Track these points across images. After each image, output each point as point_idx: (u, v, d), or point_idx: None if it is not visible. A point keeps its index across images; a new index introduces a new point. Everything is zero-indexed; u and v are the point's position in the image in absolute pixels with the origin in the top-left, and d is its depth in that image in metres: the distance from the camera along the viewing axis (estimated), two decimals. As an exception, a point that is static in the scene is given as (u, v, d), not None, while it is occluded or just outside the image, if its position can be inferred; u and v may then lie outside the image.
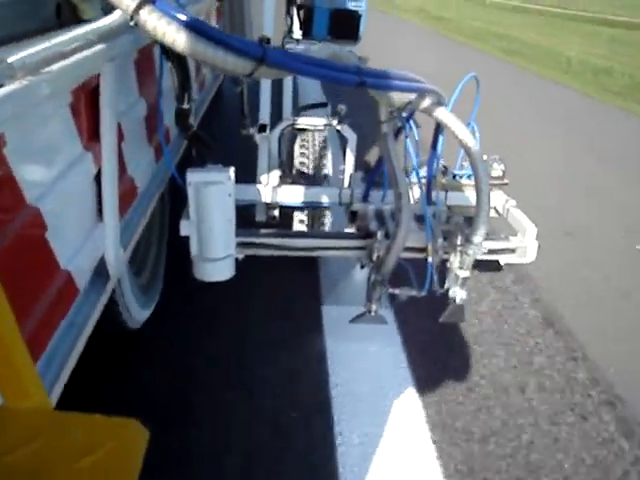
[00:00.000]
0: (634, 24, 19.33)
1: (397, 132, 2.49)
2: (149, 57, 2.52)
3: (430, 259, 2.43)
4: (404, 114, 2.36)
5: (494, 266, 3.47)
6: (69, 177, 1.62)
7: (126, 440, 1.00)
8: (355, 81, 1.92)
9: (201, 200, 2.52)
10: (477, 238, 2.36)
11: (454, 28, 16.94)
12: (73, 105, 1.64)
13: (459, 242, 2.42)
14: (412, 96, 2.20)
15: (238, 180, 2.51)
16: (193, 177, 2.51)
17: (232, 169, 2.56)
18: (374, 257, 2.42)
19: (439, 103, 2.25)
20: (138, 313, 2.61)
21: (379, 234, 2.42)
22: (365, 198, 2.89)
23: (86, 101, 1.74)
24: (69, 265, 1.62)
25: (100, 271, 1.91)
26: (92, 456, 0.95)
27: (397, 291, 2.47)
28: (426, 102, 2.21)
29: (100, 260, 1.90)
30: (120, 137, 2.01)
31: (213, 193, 2.51)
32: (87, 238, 1.78)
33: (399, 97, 2.20)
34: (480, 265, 3.50)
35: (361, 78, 1.92)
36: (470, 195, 2.96)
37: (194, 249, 2.61)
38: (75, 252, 1.67)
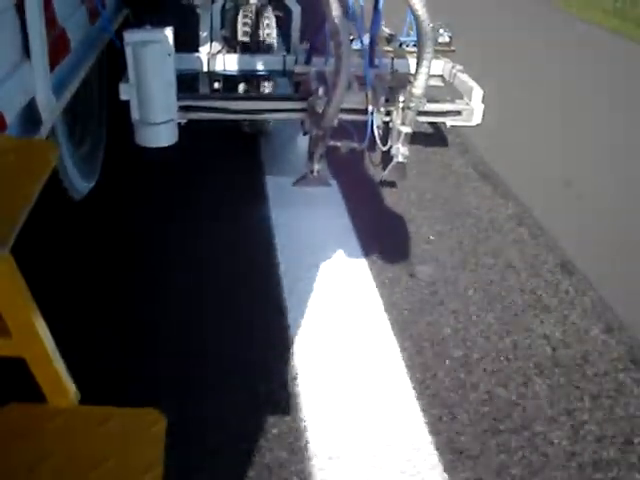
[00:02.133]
0: None
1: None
2: None
3: (370, 109, 2.40)
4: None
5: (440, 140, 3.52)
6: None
7: (147, 429, 1.07)
8: None
9: (139, 60, 2.43)
10: (418, 90, 2.34)
11: None
12: None
13: (401, 98, 2.40)
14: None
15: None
16: (131, 37, 2.41)
17: (170, 29, 2.46)
18: (315, 113, 2.39)
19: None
20: (79, 183, 2.54)
21: (320, 90, 2.39)
22: (307, 63, 2.83)
23: None
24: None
25: (32, 114, 1.85)
26: (119, 447, 1.04)
27: (338, 143, 2.46)
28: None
29: (31, 102, 1.83)
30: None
31: (151, 53, 2.42)
32: (13, 73, 1.71)
33: None
34: (427, 140, 3.56)
35: None
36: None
37: (135, 114, 2.53)
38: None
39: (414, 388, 1.93)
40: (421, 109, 2.42)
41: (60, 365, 1.01)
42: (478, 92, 2.74)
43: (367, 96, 2.41)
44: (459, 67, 2.94)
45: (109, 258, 2.46)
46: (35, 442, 1.01)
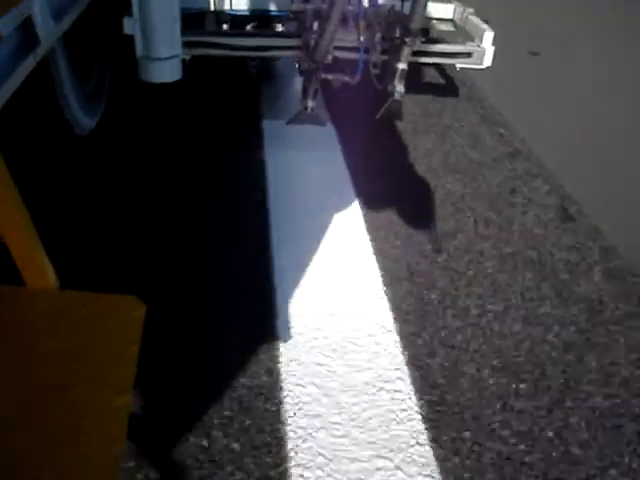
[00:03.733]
0: None
1: None
2: None
3: (362, 42, 2.35)
4: None
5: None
6: None
7: (126, 314, 1.08)
8: None
9: (143, -7, 2.40)
10: (415, 25, 2.28)
11: None
12: None
13: (397, 34, 2.35)
14: None
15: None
16: (134, -31, 2.38)
17: (176, -40, 2.42)
18: (308, 48, 2.35)
19: None
20: (82, 119, 2.53)
21: (314, 25, 2.34)
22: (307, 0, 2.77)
23: None
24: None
25: (29, 33, 1.82)
26: (98, 330, 1.04)
27: (330, 76, 2.41)
28: None
29: (28, 21, 1.81)
30: None
31: (155, -15, 2.38)
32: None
33: None
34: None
35: None
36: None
37: (139, 49, 2.50)
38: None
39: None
40: (417, 47, 2.37)
41: (39, 248, 1.00)
42: (489, 34, 2.67)
43: (359, 30, 2.35)
44: (470, 10, 2.87)
45: (111, 183, 2.54)
46: (14, 324, 1.00)
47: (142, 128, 2.92)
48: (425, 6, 2.25)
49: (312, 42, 2.31)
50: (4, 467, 0.81)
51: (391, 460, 1.53)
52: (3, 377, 0.93)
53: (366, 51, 2.36)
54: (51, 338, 0.99)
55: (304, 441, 1.56)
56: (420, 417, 1.65)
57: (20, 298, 1.03)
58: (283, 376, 1.73)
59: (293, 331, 1.90)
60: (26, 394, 0.92)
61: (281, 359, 1.78)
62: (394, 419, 1.64)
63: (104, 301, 1.06)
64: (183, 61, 2.56)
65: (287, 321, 1.94)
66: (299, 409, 1.64)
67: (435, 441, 1.60)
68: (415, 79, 2.79)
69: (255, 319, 1.94)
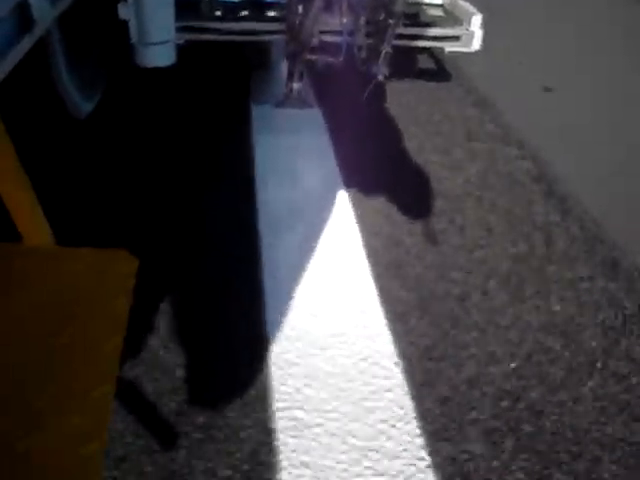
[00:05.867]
0: None
1: None
2: None
3: (344, 24, 2.41)
4: None
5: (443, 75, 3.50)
6: None
7: (118, 268, 1.13)
8: None
9: (137, -21, 2.45)
10: (397, 7, 2.33)
11: None
12: None
13: (381, 17, 2.40)
14: None
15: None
16: (127, -46, 2.43)
17: (167, -53, 2.47)
18: (293, 30, 2.41)
19: None
20: (80, 102, 2.58)
21: (299, 8, 2.39)
22: None
23: None
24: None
25: (24, 14, 1.87)
26: (92, 284, 1.09)
27: (314, 57, 2.46)
28: None
29: (23, 2, 1.85)
30: None
31: (148, -30, 2.43)
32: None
33: None
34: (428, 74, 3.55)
35: None
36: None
37: (134, 35, 2.55)
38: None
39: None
40: (406, 31, 2.43)
41: (36, 206, 1.05)
42: (477, 17, 2.73)
43: (342, 12, 2.41)
44: (458, -7, 2.92)
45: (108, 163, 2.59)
46: (10, 279, 1.05)
47: (136, 112, 2.97)
48: None
49: (296, 24, 2.37)
50: None
51: None
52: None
53: (351, 34, 2.41)
54: (45, 291, 1.04)
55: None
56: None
57: (16, 254, 1.08)
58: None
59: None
60: (18, 348, 0.98)
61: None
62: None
63: (98, 256, 1.11)
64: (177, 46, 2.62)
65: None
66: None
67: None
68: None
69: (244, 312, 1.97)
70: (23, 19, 1.88)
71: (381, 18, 2.37)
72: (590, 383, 1.73)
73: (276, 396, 1.64)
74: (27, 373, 0.93)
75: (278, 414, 1.59)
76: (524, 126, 3.04)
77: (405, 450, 1.53)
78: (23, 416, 0.89)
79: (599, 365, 1.79)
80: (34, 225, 1.06)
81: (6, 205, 1.04)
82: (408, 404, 1.64)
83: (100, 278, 1.07)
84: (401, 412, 1.62)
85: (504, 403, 1.67)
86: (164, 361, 1.70)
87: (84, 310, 1.01)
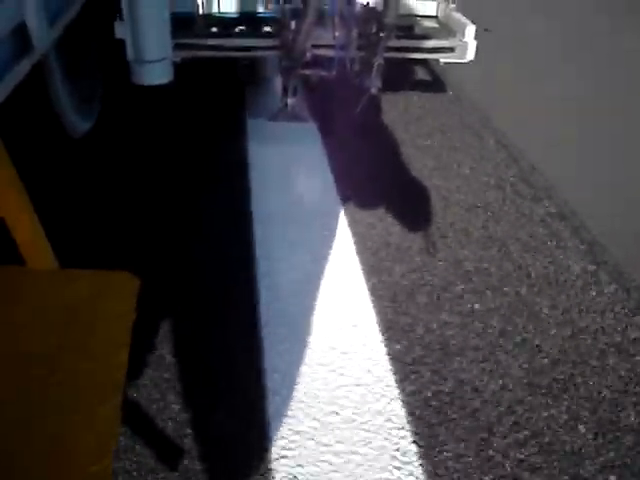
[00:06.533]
0: None
1: None
2: None
3: (337, 38, 2.43)
4: None
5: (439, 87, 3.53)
6: None
7: (120, 288, 1.14)
8: None
9: (133, -3, 2.47)
10: (389, 20, 2.36)
11: None
12: None
13: (373, 30, 2.43)
14: None
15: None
16: (123, -26, 2.45)
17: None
18: (286, 46, 2.43)
19: None
20: (77, 121, 2.61)
21: (292, 24, 2.42)
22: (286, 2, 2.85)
23: None
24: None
25: (23, 38, 1.89)
26: (95, 306, 1.10)
27: (308, 71, 2.49)
28: None
29: (22, 26, 1.87)
30: None
31: (144, -11, 2.45)
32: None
33: None
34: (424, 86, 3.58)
35: None
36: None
37: (130, 53, 2.57)
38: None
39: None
40: (401, 44, 2.45)
41: (39, 230, 1.06)
42: (471, 28, 2.75)
43: (334, 25, 2.43)
44: (452, 5, 2.95)
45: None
46: (15, 303, 1.06)
47: (134, 129, 3.00)
48: (398, 1, 2.33)
49: (289, 40, 2.40)
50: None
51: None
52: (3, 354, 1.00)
53: (343, 48, 2.43)
54: (48, 313, 1.05)
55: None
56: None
57: (20, 277, 1.09)
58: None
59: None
60: (23, 369, 0.99)
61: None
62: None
63: (100, 277, 1.12)
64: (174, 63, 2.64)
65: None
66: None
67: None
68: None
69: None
70: (22, 42, 1.90)
71: (373, 31, 2.40)
72: None
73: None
74: (31, 394, 0.93)
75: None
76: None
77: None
78: (30, 437, 0.90)
79: None
80: (37, 248, 1.08)
81: (9, 228, 1.05)
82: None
83: (102, 299, 1.08)
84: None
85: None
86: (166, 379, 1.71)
87: (87, 330, 1.01)
